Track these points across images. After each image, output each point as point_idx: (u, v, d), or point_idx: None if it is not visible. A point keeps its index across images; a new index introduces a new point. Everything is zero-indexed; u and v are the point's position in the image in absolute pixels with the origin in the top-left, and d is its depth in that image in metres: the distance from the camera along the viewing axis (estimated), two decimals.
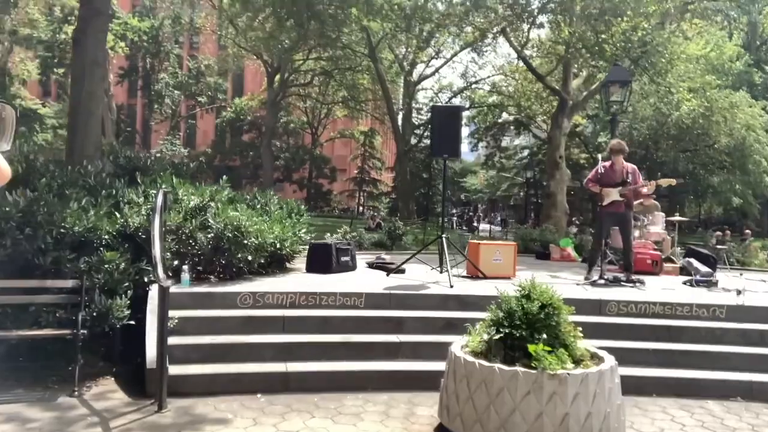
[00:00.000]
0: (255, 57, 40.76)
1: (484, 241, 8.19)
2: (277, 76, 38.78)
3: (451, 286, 6.55)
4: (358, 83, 36.11)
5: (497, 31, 17.97)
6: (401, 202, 33.70)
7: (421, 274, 7.52)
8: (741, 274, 8.57)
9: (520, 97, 29.87)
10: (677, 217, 10.34)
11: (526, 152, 42.20)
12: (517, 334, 4.01)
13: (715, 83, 19.04)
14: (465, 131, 38.08)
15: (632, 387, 4.88)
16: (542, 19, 17.31)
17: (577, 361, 3.98)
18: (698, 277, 7.91)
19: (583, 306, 6.14)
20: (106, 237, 5.48)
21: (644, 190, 7.96)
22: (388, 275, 7.46)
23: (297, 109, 46.78)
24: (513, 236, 16.17)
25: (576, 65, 18.59)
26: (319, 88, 42.09)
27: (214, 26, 39.45)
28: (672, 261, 9.60)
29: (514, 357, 3.94)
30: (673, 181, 8.19)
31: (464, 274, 7.78)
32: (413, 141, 40.27)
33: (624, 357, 5.47)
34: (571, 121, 20.22)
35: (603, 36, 16.05)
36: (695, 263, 9.19)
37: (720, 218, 34.50)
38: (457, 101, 36.50)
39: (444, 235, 7.17)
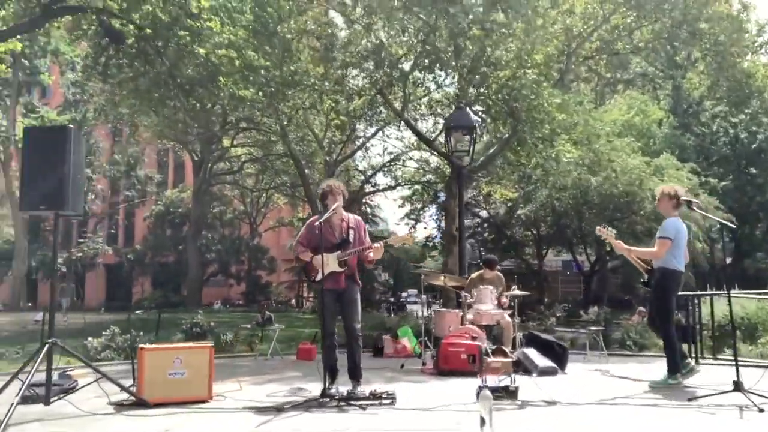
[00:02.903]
0: (180, 145, 39.02)
1: (157, 345, 5.48)
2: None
3: None
4: (291, 168, 34.42)
5: (375, 93, 15.96)
6: None
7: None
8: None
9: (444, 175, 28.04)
10: (515, 291, 7.71)
11: (467, 232, 39.90)
12: None
13: (625, 143, 17.12)
14: (401, 212, 36.01)
15: None
16: (417, 75, 15.40)
17: None
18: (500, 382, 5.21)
19: None
20: None
21: (370, 254, 5.48)
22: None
23: (235, 199, 44.74)
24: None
25: None
26: (257, 177, 40.23)
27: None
28: (503, 353, 6.91)
29: None
30: (410, 238, 5.80)
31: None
32: None
33: None
34: (467, 190, 18.06)
35: (481, 89, 14.12)
36: (532, 355, 6.62)
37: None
38: (387, 181, 34.52)
39: (50, 340, 4.47)
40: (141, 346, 5.11)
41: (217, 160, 38.26)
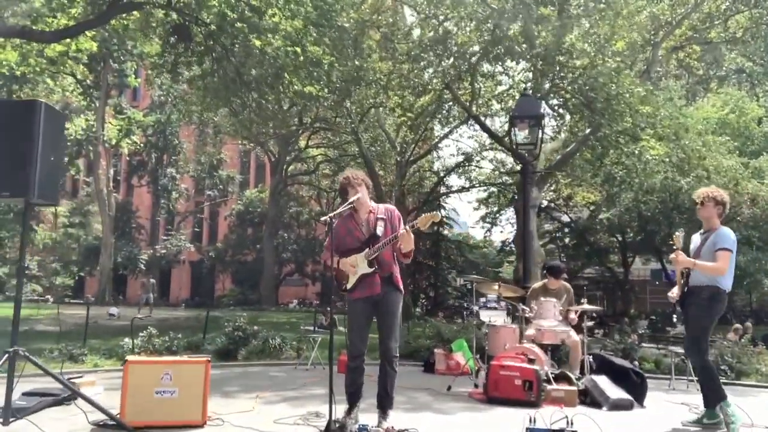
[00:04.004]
0: (257, 146, 39.43)
1: (144, 357, 4.81)
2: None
3: None
4: (364, 170, 33.98)
5: (442, 87, 15.07)
6: None
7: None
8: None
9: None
10: (585, 305, 6.60)
11: (546, 238, 38.09)
12: None
13: (719, 142, 15.48)
14: (476, 215, 34.74)
15: None
16: (487, 67, 14.37)
17: None
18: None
19: None
20: None
21: (404, 248, 4.45)
22: None
23: (311, 199, 44.90)
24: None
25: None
26: (332, 178, 40.15)
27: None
28: (568, 380, 5.86)
29: None
30: (436, 216, 4.54)
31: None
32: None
33: None
34: (543, 191, 16.78)
35: (556, 81, 12.94)
36: (603, 384, 5.56)
37: None
38: (461, 182, 33.40)
39: (12, 349, 3.89)
40: (128, 358, 4.49)
41: (293, 160, 38.46)
